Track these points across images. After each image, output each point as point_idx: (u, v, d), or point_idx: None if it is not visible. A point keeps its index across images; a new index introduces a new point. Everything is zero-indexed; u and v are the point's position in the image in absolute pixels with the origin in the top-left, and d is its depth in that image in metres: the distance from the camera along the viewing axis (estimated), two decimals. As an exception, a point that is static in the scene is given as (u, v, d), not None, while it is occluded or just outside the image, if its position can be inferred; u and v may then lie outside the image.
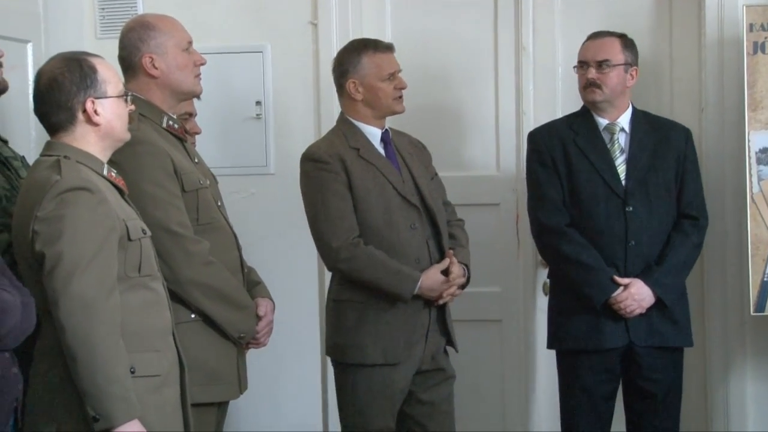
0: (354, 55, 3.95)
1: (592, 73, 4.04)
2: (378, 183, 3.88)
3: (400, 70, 3.98)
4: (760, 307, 4.10)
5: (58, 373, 2.81)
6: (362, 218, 3.85)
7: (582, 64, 4.09)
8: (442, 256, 3.94)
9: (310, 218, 3.92)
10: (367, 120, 3.96)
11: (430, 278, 3.85)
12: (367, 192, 3.86)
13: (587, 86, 4.06)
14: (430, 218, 3.94)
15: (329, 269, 3.99)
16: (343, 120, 4.00)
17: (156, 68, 3.46)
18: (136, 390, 2.81)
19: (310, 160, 3.92)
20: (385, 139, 3.98)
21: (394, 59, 3.99)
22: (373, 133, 3.96)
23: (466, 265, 3.99)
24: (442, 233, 3.95)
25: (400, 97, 3.97)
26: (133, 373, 2.82)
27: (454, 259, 3.92)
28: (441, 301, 3.90)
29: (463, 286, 3.97)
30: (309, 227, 3.95)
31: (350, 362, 3.89)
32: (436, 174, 4.14)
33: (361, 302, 3.87)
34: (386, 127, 4.02)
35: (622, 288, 3.96)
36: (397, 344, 3.84)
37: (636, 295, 3.95)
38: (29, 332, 2.81)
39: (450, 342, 4.03)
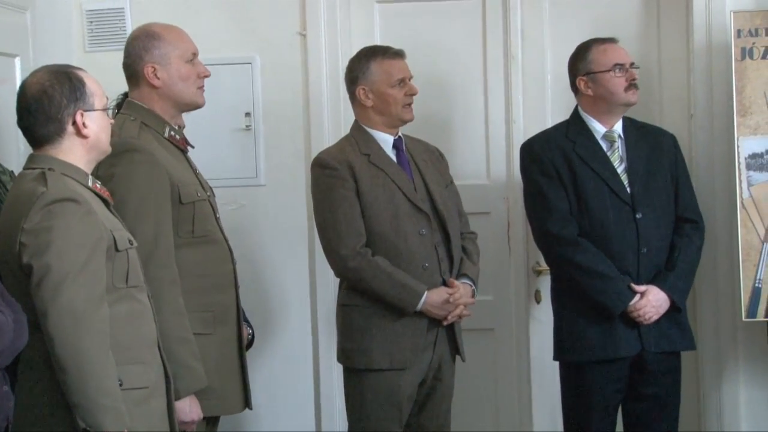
0: (363, 62, 3.96)
1: (635, 74, 4.01)
2: (387, 189, 3.89)
3: (410, 77, 3.98)
4: (751, 313, 4.11)
5: (46, 385, 2.80)
6: (370, 224, 3.86)
7: (620, 67, 4.00)
8: (451, 262, 3.95)
9: (318, 224, 3.94)
10: (379, 127, 3.97)
11: (436, 295, 3.85)
12: (375, 198, 3.87)
13: (630, 88, 4.00)
14: (441, 224, 3.94)
15: (337, 275, 4.00)
16: (356, 127, 4.02)
17: (158, 78, 3.47)
18: (123, 402, 2.79)
19: (319, 166, 3.93)
20: (397, 145, 3.99)
21: (405, 65, 3.99)
22: (385, 140, 3.97)
23: (474, 282, 3.98)
24: (452, 239, 3.94)
25: (410, 104, 3.96)
26: (120, 385, 2.81)
27: (457, 283, 3.91)
28: (446, 322, 3.89)
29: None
30: (317, 233, 3.97)
31: (357, 367, 3.89)
32: (452, 182, 4.13)
33: (367, 307, 3.87)
34: (400, 134, 4.02)
35: (638, 295, 3.93)
36: (403, 349, 3.84)
37: (654, 301, 3.92)
38: (21, 349, 2.78)
39: (458, 351, 4.02)
